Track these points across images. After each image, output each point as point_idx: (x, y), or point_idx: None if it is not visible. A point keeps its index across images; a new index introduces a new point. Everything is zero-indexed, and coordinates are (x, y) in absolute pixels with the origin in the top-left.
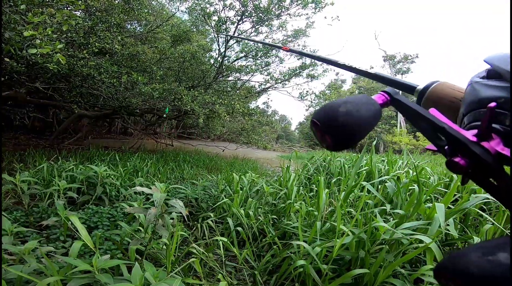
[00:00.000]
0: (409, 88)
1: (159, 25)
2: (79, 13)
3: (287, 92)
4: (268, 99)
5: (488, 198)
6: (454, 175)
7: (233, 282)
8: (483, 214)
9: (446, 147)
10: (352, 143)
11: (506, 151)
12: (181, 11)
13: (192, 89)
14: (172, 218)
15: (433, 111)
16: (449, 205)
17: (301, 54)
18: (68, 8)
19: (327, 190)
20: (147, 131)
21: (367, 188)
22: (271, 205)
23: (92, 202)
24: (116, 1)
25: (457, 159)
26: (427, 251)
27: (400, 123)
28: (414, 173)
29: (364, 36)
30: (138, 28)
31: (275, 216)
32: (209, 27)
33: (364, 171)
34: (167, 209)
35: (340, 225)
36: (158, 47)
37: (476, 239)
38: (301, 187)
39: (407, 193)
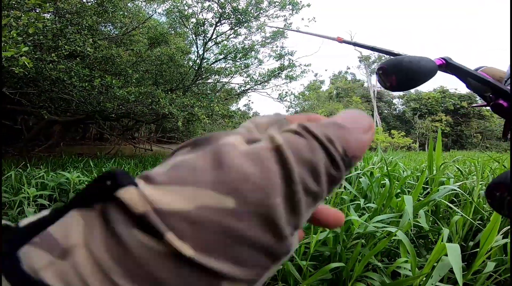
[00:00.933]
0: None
1: (135, 27)
2: (48, 15)
3: (267, 93)
4: (249, 101)
5: (455, 190)
6: (426, 170)
7: None
8: (452, 206)
9: (491, 95)
10: (412, 85)
11: None
12: (159, 13)
13: (170, 92)
14: None
15: (482, 73)
16: (421, 198)
17: (355, 45)
18: (37, 11)
19: None
20: (124, 136)
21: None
22: None
23: None
24: (89, 3)
25: (500, 101)
26: (400, 244)
27: (376, 121)
28: (387, 169)
29: (343, 36)
30: (113, 31)
31: None
32: (187, 29)
33: None
34: None
35: None
36: (134, 49)
37: (446, 231)
38: None
39: (380, 187)
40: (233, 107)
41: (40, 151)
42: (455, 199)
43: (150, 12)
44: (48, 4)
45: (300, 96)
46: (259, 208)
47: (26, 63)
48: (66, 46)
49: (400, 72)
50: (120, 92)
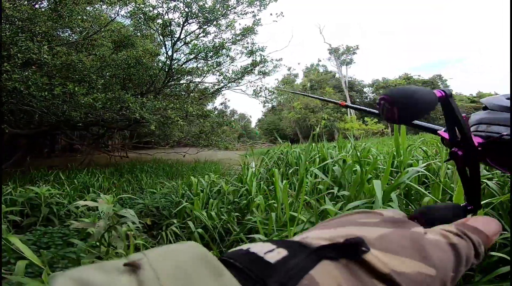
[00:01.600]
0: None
1: (96, 31)
2: None
3: (241, 90)
4: (226, 99)
5: (421, 171)
6: (395, 153)
7: None
8: (420, 188)
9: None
10: (413, 117)
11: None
12: (122, 15)
13: (141, 96)
14: (131, 230)
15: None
16: (393, 182)
17: (358, 109)
18: None
19: (285, 181)
20: (96, 145)
21: (319, 174)
22: (234, 203)
23: (39, 223)
24: (42, 9)
25: (455, 150)
26: None
27: (349, 110)
28: (358, 155)
29: (309, 30)
30: (72, 36)
31: (238, 214)
32: (153, 31)
33: (317, 158)
34: (119, 220)
35: (293, 213)
36: (97, 54)
37: None
38: (262, 182)
39: (353, 175)
40: (209, 107)
41: (6, 167)
42: (426, 181)
43: (112, 15)
44: None
45: (274, 91)
46: (443, 277)
47: None
48: (19, 55)
49: (403, 105)
50: (85, 100)
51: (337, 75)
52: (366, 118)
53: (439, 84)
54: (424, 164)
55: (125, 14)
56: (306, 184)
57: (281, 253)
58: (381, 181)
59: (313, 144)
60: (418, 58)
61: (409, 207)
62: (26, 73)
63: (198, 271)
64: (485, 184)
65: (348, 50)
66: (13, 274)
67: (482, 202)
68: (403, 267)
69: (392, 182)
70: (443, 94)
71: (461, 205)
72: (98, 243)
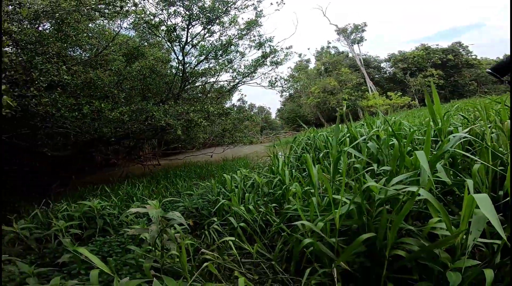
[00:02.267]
0: None
1: (105, 46)
2: (9, 49)
3: (257, 83)
4: (242, 95)
5: (466, 136)
6: (431, 123)
7: (254, 277)
8: (468, 155)
9: None
10: None
11: None
12: (125, 28)
13: (162, 104)
14: (178, 232)
15: None
16: (434, 152)
17: None
18: None
19: (318, 165)
20: (130, 157)
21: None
22: (269, 194)
23: (97, 234)
24: (47, 31)
25: None
26: (427, 204)
27: (370, 87)
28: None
29: (313, 14)
30: (83, 54)
31: (275, 204)
32: (160, 38)
33: (348, 139)
34: (168, 223)
35: (334, 196)
36: (112, 69)
37: (470, 182)
38: (294, 170)
39: (389, 149)
40: (227, 104)
41: (56, 187)
42: (469, 148)
43: (116, 29)
44: (4, 37)
45: (290, 79)
46: None
47: (9, 102)
48: (41, 78)
49: None
50: (112, 115)
51: (350, 55)
52: (389, 93)
53: (460, 51)
54: (467, 129)
55: (128, 26)
56: (342, 165)
57: None
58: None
59: (340, 125)
60: (430, 27)
61: (457, 177)
62: (53, 95)
63: None
64: None
65: (356, 28)
66: (87, 284)
67: None
68: None
69: (434, 152)
70: None
71: None
72: (152, 248)
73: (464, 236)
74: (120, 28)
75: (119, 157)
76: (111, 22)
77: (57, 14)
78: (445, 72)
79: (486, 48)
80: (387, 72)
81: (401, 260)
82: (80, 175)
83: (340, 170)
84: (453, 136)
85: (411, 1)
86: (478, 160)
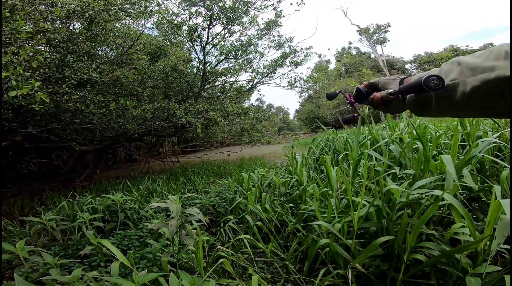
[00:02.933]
0: None
1: (130, 45)
2: (42, 47)
3: (276, 84)
4: (261, 94)
5: (496, 142)
6: (459, 127)
7: (267, 276)
8: (498, 160)
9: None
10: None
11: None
12: (148, 27)
13: (183, 102)
14: (195, 228)
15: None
16: (461, 157)
17: None
18: (30, 44)
19: (336, 167)
20: (151, 154)
21: (374, 156)
22: (286, 194)
23: (118, 228)
24: (77, 30)
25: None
26: (451, 209)
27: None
28: (416, 132)
29: (335, 14)
30: (110, 53)
31: (292, 205)
32: (182, 38)
33: (369, 141)
34: (187, 218)
35: (353, 198)
36: (137, 68)
37: (497, 188)
38: (311, 171)
39: (413, 153)
40: (246, 104)
41: (81, 181)
42: (499, 154)
43: (140, 28)
44: (39, 36)
45: (309, 79)
46: None
47: (44, 98)
48: (73, 75)
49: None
50: (136, 112)
51: (372, 56)
52: None
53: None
54: (497, 134)
55: (151, 26)
56: (364, 168)
57: None
58: (450, 156)
59: (361, 127)
60: (461, 27)
61: (485, 183)
62: (83, 92)
63: None
64: None
65: (379, 28)
66: (107, 276)
67: None
68: None
69: (461, 157)
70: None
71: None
72: (170, 242)
73: (488, 242)
74: (144, 27)
75: (141, 153)
76: (135, 22)
77: (87, 14)
78: None
79: None
80: (412, 73)
81: (420, 264)
82: (105, 169)
83: (360, 173)
84: (482, 141)
85: (438, 1)
86: (508, 166)
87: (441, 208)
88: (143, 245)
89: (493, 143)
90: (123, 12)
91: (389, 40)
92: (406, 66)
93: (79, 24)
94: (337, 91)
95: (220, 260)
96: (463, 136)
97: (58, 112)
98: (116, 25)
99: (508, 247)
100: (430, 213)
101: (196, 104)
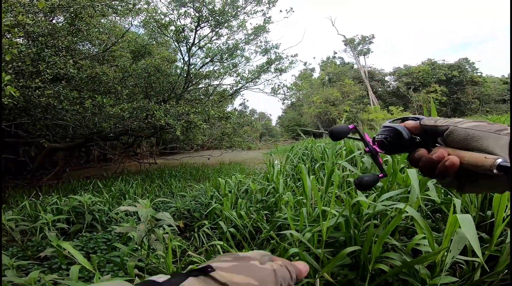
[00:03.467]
0: None
1: (114, 42)
2: (20, 40)
3: (260, 89)
4: (244, 99)
5: None
6: None
7: None
8: None
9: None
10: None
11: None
12: (135, 25)
13: (163, 103)
14: (167, 233)
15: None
16: None
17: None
18: (7, 37)
19: (312, 176)
20: (127, 154)
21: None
22: (262, 201)
23: (84, 230)
24: (60, 24)
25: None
26: (414, 220)
27: (372, 100)
28: None
29: (321, 24)
30: (92, 49)
31: (267, 212)
32: (168, 38)
33: (344, 151)
34: (157, 223)
35: (325, 207)
36: (118, 65)
37: (458, 201)
38: (288, 179)
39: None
40: (229, 108)
41: (48, 179)
42: None
43: (126, 26)
44: (16, 29)
45: (293, 87)
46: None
47: (12, 93)
48: (48, 70)
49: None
50: (113, 110)
51: (355, 66)
52: (391, 107)
53: (466, 67)
54: None
55: (138, 24)
56: (334, 178)
57: (167, 276)
58: (416, 170)
59: None
60: (442, 40)
61: (448, 196)
62: (57, 88)
63: None
64: None
65: (364, 39)
66: (67, 279)
67: None
68: (238, 279)
69: None
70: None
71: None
72: (139, 247)
73: (446, 254)
74: (130, 25)
75: (116, 153)
76: (122, 19)
77: (72, 8)
78: (448, 89)
79: (494, 63)
80: (390, 85)
81: (384, 274)
82: (76, 168)
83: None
84: None
85: (422, 14)
86: None
87: (406, 219)
88: (110, 249)
89: None
90: (110, 9)
91: (372, 52)
92: (386, 78)
93: (63, 18)
94: (349, 127)
95: (190, 267)
96: None
97: (28, 107)
98: (102, 21)
99: (466, 258)
100: (393, 225)
101: (177, 106)
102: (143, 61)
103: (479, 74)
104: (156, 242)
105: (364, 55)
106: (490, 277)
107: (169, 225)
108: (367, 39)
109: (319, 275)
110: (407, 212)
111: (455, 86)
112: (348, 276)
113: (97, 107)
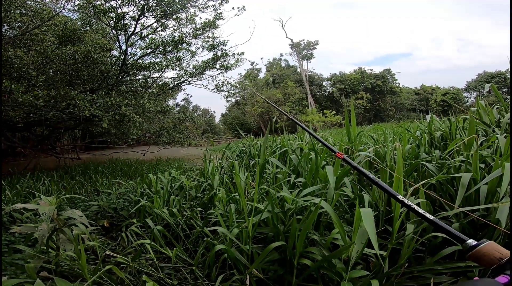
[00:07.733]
0: (459, 239)
1: (37, 26)
2: None
3: (203, 85)
4: (188, 95)
5: (369, 155)
6: (347, 140)
7: (174, 282)
8: (370, 173)
9: None
10: None
11: None
12: (68, 9)
13: (91, 93)
14: (84, 233)
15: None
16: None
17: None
18: None
19: (247, 173)
20: (42, 148)
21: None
22: (197, 198)
23: None
24: None
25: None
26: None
27: (310, 103)
28: (313, 143)
29: (272, 25)
30: (9, 31)
31: (201, 209)
32: (106, 25)
33: (278, 149)
34: (66, 222)
35: (249, 202)
36: (37, 49)
37: (366, 197)
38: (225, 176)
39: (308, 163)
40: (171, 102)
41: None
42: (378, 166)
43: (57, 9)
44: None
45: (237, 85)
46: None
47: None
48: None
49: None
50: (23, 97)
51: (298, 70)
52: (325, 111)
53: (388, 77)
54: (370, 149)
55: (72, 8)
56: (266, 174)
57: None
58: (333, 167)
59: (274, 136)
60: (370, 53)
61: (362, 192)
62: None
63: None
64: (425, 167)
65: (308, 45)
66: None
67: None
68: None
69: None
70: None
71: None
72: (46, 248)
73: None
74: (62, 8)
75: (28, 146)
76: (54, 1)
77: None
78: (372, 96)
79: (411, 76)
80: (326, 90)
81: (309, 269)
82: None
83: (267, 179)
84: (359, 154)
85: (365, 24)
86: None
87: (328, 214)
88: (11, 251)
89: (369, 157)
90: None
91: (315, 57)
92: (324, 83)
93: None
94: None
95: (107, 267)
96: (348, 149)
97: None
98: (28, 2)
99: (374, 251)
100: (312, 219)
101: (106, 96)
102: (70, 47)
103: (397, 84)
104: (67, 242)
105: (307, 59)
106: (395, 270)
107: (93, 225)
108: (312, 44)
109: (248, 271)
110: (323, 207)
111: (378, 94)
112: (278, 272)
113: (5, 93)
